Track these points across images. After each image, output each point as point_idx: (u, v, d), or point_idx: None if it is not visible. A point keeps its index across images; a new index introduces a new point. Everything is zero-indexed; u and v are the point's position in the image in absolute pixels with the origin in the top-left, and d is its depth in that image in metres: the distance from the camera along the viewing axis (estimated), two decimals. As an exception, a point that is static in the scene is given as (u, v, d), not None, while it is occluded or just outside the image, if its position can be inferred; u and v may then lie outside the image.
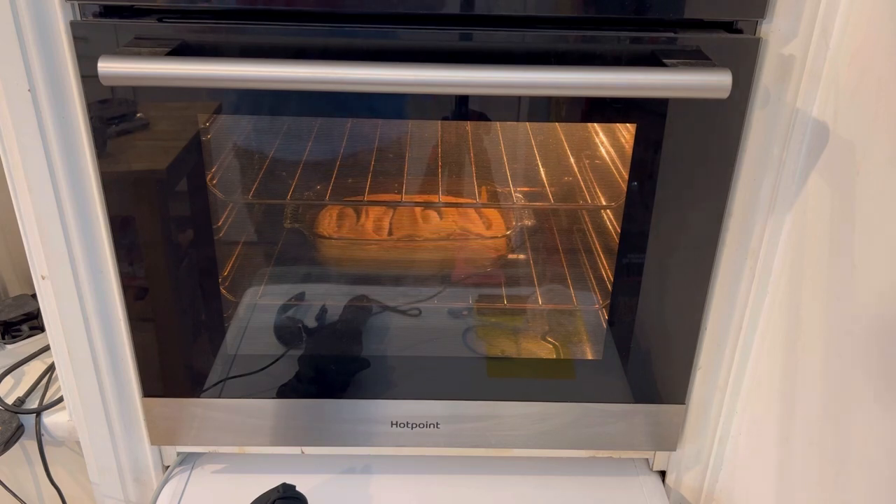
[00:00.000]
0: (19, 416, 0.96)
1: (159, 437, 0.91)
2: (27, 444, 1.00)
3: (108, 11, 0.69)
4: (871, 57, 0.63)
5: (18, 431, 0.96)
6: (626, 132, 0.95)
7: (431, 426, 0.90)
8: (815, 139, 0.72)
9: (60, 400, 0.96)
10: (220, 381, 0.88)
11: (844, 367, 0.67)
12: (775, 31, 0.69)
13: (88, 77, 0.70)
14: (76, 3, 0.68)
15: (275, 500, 0.82)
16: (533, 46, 0.70)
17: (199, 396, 0.88)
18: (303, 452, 0.98)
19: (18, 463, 1.04)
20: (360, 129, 0.92)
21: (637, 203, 0.79)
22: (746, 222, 0.79)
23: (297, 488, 0.84)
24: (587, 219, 1.10)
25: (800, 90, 0.71)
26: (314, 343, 0.91)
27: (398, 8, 0.68)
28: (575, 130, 1.13)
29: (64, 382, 0.87)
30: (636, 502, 0.93)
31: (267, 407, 0.89)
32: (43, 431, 0.96)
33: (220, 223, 0.94)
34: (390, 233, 1.01)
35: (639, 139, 0.77)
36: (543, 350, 0.96)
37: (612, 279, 0.85)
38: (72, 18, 0.68)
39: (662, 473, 0.98)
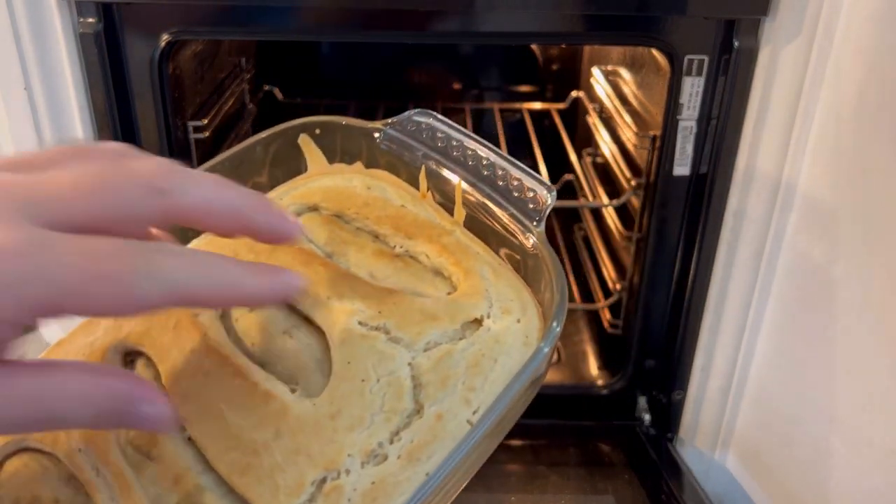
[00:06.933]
0: (19, 415, 0.96)
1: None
2: (27, 443, 1.00)
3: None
4: (876, 55, 0.63)
5: (18, 431, 0.95)
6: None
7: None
8: (818, 140, 0.71)
9: (60, 400, 0.95)
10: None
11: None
12: (778, 29, 0.69)
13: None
14: (73, 2, 0.67)
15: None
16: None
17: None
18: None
19: (18, 463, 1.03)
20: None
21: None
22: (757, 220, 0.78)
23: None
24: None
25: (803, 90, 0.70)
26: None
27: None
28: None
29: (63, 383, 0.86)
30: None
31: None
32: (42, 431, 0.96)
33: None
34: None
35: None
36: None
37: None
38: (69, 18, 0.68)
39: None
